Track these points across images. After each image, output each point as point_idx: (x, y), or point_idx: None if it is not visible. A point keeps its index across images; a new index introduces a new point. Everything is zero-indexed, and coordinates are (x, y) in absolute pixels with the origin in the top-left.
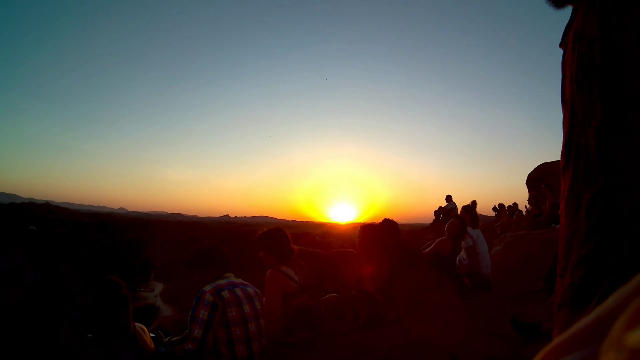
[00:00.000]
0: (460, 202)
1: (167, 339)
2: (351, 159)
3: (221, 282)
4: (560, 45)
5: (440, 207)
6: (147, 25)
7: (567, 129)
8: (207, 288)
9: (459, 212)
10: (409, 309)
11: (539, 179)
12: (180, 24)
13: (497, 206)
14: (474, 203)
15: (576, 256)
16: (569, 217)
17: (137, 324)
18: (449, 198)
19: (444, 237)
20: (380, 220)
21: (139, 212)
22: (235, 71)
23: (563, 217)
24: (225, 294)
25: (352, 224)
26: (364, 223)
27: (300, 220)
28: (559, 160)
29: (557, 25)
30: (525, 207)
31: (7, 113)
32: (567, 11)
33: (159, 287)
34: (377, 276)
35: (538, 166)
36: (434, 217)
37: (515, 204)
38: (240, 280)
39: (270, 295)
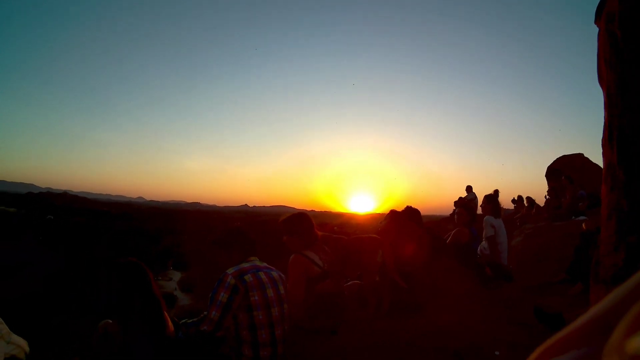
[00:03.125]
0: (480, 192)
1: (182, 320)
2: (370, 149)
3: (245, 265)
4: (595, 22)
5: (460, 198)
6: (165, 14)
7: (606, 109)
8: (230, 271)
9: (479, 203)
10: (431, 297)
11: (558, 170)
12: (198, 13)
13: (516, 198)
14: (496, 192)
15: (616, 238)
16: (606, 196)
17: None
18: (469, 188)
19: (459, 229)
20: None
21: (157, 202)
22: (255, 60)
23: (603, 194)
24: (248, 277)
25: (371, 214)
26: (393, 209)
27: (319, 210)
28: (578, 153)
29: (580, 15)
30: (545, 197)
31: (24, 103)
32: None
33: (177, 276)
34: (401, 263)
35: (558, 158)
36: (454, 208)
37: (529, 198)
38: (265, 264)
39: (293, 279)
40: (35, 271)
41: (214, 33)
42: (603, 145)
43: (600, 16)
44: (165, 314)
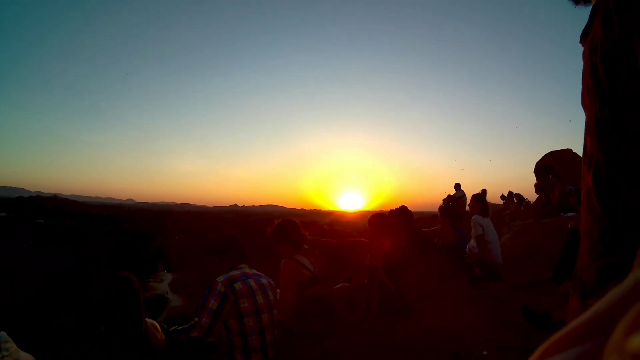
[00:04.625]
0: (469, 190)
1: (173, 327)
2: (359, 147)
3: (234, 273)
4: (581, 42)
5: (449, 195)
6: (152, 16)
7: (585, 134)
8: (220, 279)
9: (468, 201)
10: (421, 298)
11: (547, 167)
12: (185, 15)
13: (505, 194)
14: (484, 192)
15: (589, 258)
16: (583, 217)
17: (148, 320)
18: (457, 186)
19: (439, 227)
20: (390, 208)
21: (147, 203)
22: (242, 60)
23: (582, 215)
24: (237, 285)
25: (361, 212)
26: (374, 212)
27: (309, 208)
28: (567, 149)
29: (569, 16)
30: (526, 199)
31: (13, 107)
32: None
33: (168, 277)
34: (389, 265)
35: (546, 154)
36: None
37: (518, 195)
38: (254, 271)
39: (284, 284)
40: (30, 273)
41: (202, 34)
42: (583, 169)
43: (585, 38)
44: (156, 324)
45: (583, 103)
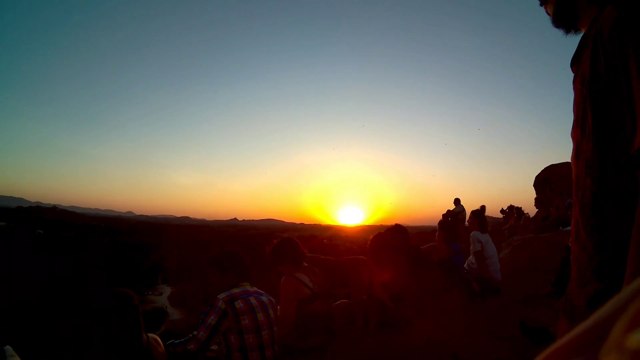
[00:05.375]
0: (469, 204)
1: (170, 341)
2: (359, 161)
3: (235, 290)
4: (571, 68)
5: (448, 210)
6: (152, 28)
7: (573, 162)
8: (222, 296)
9: (467, 216)
10: (419, 313)
11: (546, 180)
12: (185, 27)
13: (505, 208)
14: (482, 208)
15: (577, 284)
16: (572, 246)
17: (150, 335)
18: (457, 201)
19: (435, 243)
20: (389, 223)
21: (147, 216)
22: (242, 73)
23: (572, 243)
24: (238, 303)
25: (360, 226)
26: (373, 237)
27: (308, 223)
28: (566, 162)
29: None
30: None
31: (13, 117)
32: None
33: (167, 290)
34: (388, 282)
35: (545, 168)
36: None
37: (517, 209)
38: (255, 289)
39: (284, 301)
40: (27, 280)
41: (203, 47)
42: (573, 198)
43: (575, 65)
44: (158, 339)
45: (572, 134)
